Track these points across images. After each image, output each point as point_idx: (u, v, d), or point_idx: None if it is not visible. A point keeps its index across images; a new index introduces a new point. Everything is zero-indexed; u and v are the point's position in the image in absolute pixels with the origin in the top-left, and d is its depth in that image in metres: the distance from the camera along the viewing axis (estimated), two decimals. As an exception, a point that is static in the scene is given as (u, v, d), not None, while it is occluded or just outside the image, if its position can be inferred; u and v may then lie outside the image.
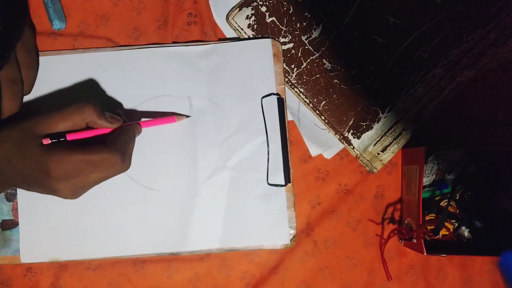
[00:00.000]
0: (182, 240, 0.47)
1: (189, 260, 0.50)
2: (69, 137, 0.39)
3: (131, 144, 0.42)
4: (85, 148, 0.38)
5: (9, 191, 0.47)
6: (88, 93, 0.48)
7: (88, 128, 0.41)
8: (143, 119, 0.47)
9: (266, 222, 0.48)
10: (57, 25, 0.48)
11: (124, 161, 0.40)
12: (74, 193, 0.40)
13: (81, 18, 0.49)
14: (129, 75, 0.48)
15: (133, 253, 0.47)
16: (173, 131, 0.48)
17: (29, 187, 0.40)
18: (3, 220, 0.47)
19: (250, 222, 0.48)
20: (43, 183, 0.39)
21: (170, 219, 0.47)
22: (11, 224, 0.47)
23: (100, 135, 0.41)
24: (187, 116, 0.47)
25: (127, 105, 0.48)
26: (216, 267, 0.50)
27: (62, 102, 0.48)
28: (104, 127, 0.41)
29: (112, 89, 0.48)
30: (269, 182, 0.48)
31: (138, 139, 0.44)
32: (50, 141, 0.38)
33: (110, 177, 0.41)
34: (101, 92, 0.48)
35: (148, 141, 0.47)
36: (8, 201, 0.47)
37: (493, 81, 0.53)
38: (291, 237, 0.48)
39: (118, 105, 0.48)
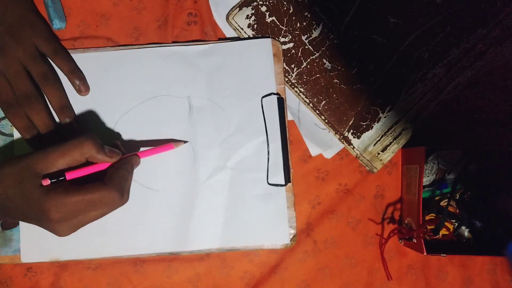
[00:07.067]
0: (182, 240, 0.47)
1: (189, 260, 0.50)
2: (68, 176, 0.39)
3: (129, 178, 0.42)
4: (83, 188, 0.38)
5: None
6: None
7: (87, 163, 0.41)
8: (142, 149, 0.46)
9: (266, 222, 0.48)
10: (57, 24, 0.48)
11: (122, 197, 0.40)
12: (72, 231, 0.40)
13: (81, 18, 0.49)
14: (129, 74, 0.48)
15: (133, 253, 0.47)
16: (173, 131, 0.48)
17: (29, 222, 0.40)
18: (3, 220, 0.47)
19: (250, 222, 0.48)
20: (42, 223, 0.39)
21: (170, 219, 0.47)
22: (12, 224, 0.47)
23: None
24: (185, 142, 0.47)
25: (127, 104, 0.48)
26: (216, 267, 0.50)
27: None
28: (104, 161, 0.41)
29: (112, 88, 0.48)
30: (269, 182, 0.48)
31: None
32: (49, 182, 0.38)
33: (109, 213, 0.40)
34: (101, 92, 0.48)
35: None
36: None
37: (493, 81, 0.53)
38: (291, 237, 0.48)
39: (118, 105, 0.48)
